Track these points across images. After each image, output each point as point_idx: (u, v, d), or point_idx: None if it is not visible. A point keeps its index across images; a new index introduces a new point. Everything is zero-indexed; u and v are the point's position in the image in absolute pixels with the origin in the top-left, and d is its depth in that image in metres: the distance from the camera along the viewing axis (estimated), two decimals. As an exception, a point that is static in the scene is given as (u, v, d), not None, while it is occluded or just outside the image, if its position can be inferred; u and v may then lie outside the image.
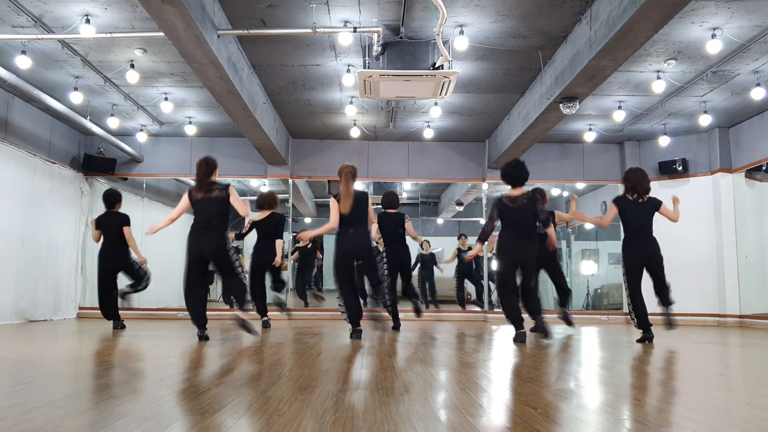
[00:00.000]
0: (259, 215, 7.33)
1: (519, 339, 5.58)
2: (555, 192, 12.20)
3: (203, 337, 5.50)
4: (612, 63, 5.84)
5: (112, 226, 6.94)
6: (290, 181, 10.49)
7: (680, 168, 9.90)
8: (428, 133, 9.74)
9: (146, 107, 8.87)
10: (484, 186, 10.66)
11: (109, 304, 7.01)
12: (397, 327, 7.12)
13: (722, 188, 9.66)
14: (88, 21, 5.94)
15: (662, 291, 5.81)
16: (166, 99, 8.37)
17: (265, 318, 7.40)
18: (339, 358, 4.39)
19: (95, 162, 9.89)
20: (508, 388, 3.15)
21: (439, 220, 13.95)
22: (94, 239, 7.14)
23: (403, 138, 10.41)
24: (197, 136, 10.15)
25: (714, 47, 6.20)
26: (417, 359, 4.38)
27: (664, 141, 9.81)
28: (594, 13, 5.67)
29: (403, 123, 9.60)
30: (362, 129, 9.70)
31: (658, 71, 7.26)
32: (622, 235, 6.00)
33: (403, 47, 6.25)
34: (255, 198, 7.63)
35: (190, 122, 9.53)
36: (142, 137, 9.95)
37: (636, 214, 5.79)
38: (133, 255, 6.99)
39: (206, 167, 5.55)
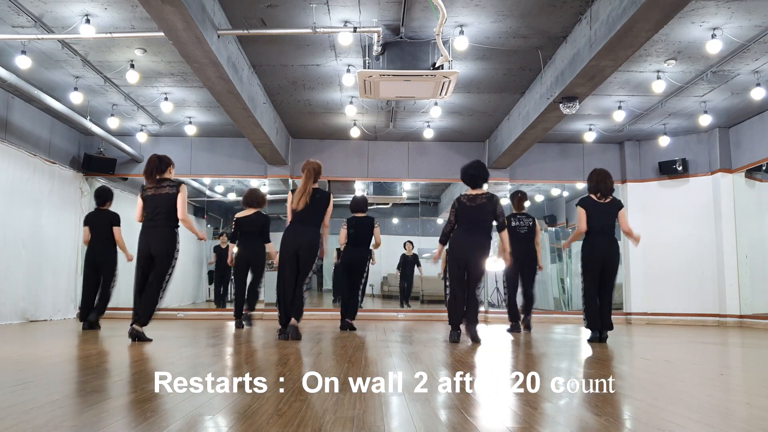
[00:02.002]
0: (243, 213, 7.28)
1: (453, 339, 5.58)
2: (555, 192, 12.21)
3: (132, 334, 5.25)
4: (612, 63, 5.84)
5: (101, 224, 6.91)
6: (290, 181, 10.49)
7: (680, 168, 9.91)
8: (428, 133, 9.74)
9: (146, 107, 8.87)
10: (485, 186, 10.64)
11: (91, 302, 6.90)
12: (347, 327, 7.04)
13: (722, 188, 9.66)
14: (88, 21, 5.94)
15: (604, 308, 5.71)
16: (166, 99, 8.37)
17: (244, 314, 7.30)
18: (338, 358, 4.39)
19: (95, 162, 9.89)
20: (507, 388, 3.15)
21: (439, 220, 13.96)
22: (84, 238, 7.07)
23: (403, 138, 10.41)
24: (197, 136, 10.15)
25: (714, 47, 6.20)
26: (416, 359, 4.38)
27: (664, 141, 9.81)
28: (594, 13, 5.67)
29: (403, 123, 9.60)
30: (362, 129, 9.70)
31: (658, 71, 7.26)
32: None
33: (403, 47, 6.25)
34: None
35: (190, 122, 9.53)
36: (142, 137, 9.95)
37: (598, 215, 5.73)
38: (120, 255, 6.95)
39: (159, 163, 5.47)
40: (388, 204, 12.89)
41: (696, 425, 2.32)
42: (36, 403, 2.59)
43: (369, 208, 7.11)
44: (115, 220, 6.96)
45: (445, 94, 6.71)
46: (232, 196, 12.29)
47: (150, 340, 5.25)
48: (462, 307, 5.63)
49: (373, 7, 5.83)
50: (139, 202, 5.49)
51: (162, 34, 5.46)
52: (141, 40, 6.49)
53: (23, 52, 6.49)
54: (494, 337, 6.81)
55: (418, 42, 6.29)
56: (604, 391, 3.14)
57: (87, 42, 6.55)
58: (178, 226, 5.44)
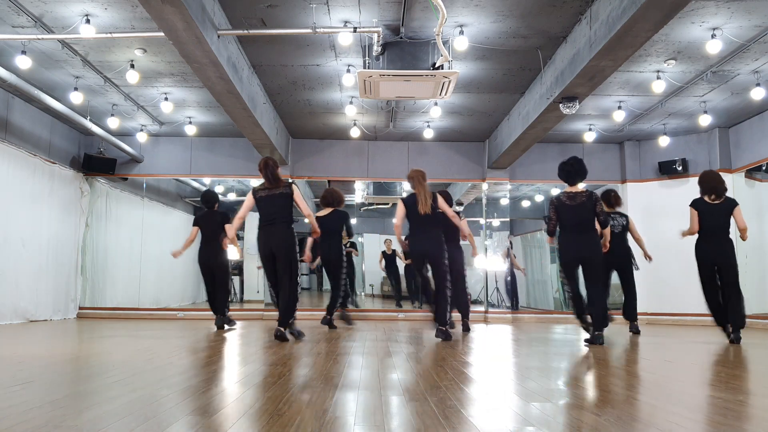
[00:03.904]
0: (322, 212, 7.39)
1: (596, 341, 5.43)
2: (555, 192, 12.20)
3: (283, 336, 5.47)
4: (612, 63, 5.84)
5: (213, 224, 7.05)
6: (290, 181, 10.48)
7: (680, 168, 9.90)
8: (428, 133, 9.74)
9: (146, 107, 8.87)
10: (484, 186, 10.66)
11: (215, 299, 7.17)
12: (456, 327, 7.17)
13: (722, 188, 9.64)
14: (88, 21, 5.94)
15: (732, 307, 5.86)
16: (166, 99, 8.37)
17: (341, 312, 7.47)
18: (339, 358, 4.39)
19: (95, 162, 9.89)
20: (508, 388, 3.15)
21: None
22: (190, 238, 7.22)
23: (403, 138, 10.41)
24: (197, 136, 10.15)
25: (714, 47, 6.20)
26: (416, 359, 4.38)
27: (664, 141, 9.81)
28: (594, 13, 5.67)
29: (403, 123, 9.61)
30: (362, 129, 9.70)
31: (658, 71, 7.26)
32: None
33: (403, 47, 6.25)
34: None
35: (190, 122, 9.53)
36: (142, 137, 9.96)
37: (711, 216, 5.86)
38: (230, 256, 7.19)
39: (273, 166, 5.68)
40: (387, 204, 12.90)
41: (696, 425, 2.32)
42: (36, 403, 2.59)
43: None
44: (227, 218, 7.07)
45: (445, 94, 6.71)
46: (232, 196, 12.30)
47: (287, 340, 5.48)
48: (583, 303, 5.60)
49: (373, 7, 5.83)
50: (249, 201, 5.64)
51: (162, 34, 5.46)
52: (141, 40, 6.49)
53: (23, 52, 6.49)
54: (494, 337, 6.82)
55: (418, 42, 6.29)
56: (605, 391, 3.14)
57: (87, 42, 6.55)
58: (294, 224, 5.63)
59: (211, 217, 7.16)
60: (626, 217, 7.16)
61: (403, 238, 6.24)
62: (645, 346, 5.67)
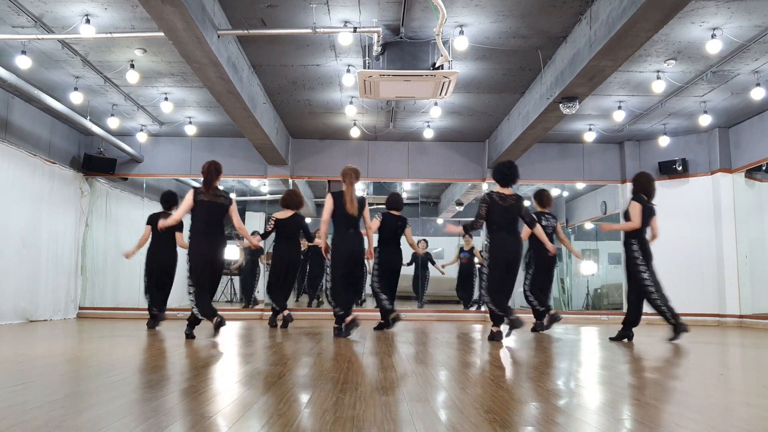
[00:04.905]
0: (282, 214, 7.35)
1: (495, 338, 5.79)
2: (555, 192, 12.21)
3: (191, 335, 5.71)
4: (612, 63, 5.85)
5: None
6: (290, 181, 10.49)
7: (680, 168, 9.90)
8: (428, 133, 9.74)
9: (146, 107, 8.87)
10: (484, 186, 10.66)
11: (158, 301, 7.21)
12: (389, 325, 7.14)
13: (722, 188, 9.65)
14: (88, 21, 5.95)
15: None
16: (166, 99, 8.37)
17: (287, 313, 7.34)
18: (339, 358, 4.39)
19: (95, 162, 9.89)
20: (507, 388, 3.15)
21: (439, 220, 13.96)
22: (143, 238, 7.25)
23: (403, 138, 10.41)
24: (197, 136, 10.15)
25: (714, 47, 6.20)
26: (417, 359, 4.38)
27: (664, 141, 9.81)
28: (594, 13, 5.68)
29: (403, 123, 9.60)
30: (362, 129, 9.70)
31: (658, 71, 7.26)
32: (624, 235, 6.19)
33: (403, 47, 6.25)
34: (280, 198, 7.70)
35: (190, 122, 9.53)
36: (142, 137, 9.96)
37: (649, 216, 6.05)
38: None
39: (215, 171, 5.77)
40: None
41: (696, 425, 2.32)
42: (36, 403, 2.59)
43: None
44: (180, 223, 7.01)
45: (445, 94, 6.70)
46: (232, 196, 12.27)
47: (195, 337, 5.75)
48: (508, 306, 5.87)
49: (373, 7, 5.83)
50: (189, 202, 5.72)
51: (162, 34, 5.46)
52: (141, 40, 6.49)
53: (23, 52, 6.49)
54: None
55: (418, 42, 6.29)
56: (604, 391, 3.14)
57: (87, 42, 6.55)
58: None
59: (165, 218, 7.12)
60: (556, 218, 7.32)
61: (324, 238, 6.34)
62: (644, 347, 5.67)
